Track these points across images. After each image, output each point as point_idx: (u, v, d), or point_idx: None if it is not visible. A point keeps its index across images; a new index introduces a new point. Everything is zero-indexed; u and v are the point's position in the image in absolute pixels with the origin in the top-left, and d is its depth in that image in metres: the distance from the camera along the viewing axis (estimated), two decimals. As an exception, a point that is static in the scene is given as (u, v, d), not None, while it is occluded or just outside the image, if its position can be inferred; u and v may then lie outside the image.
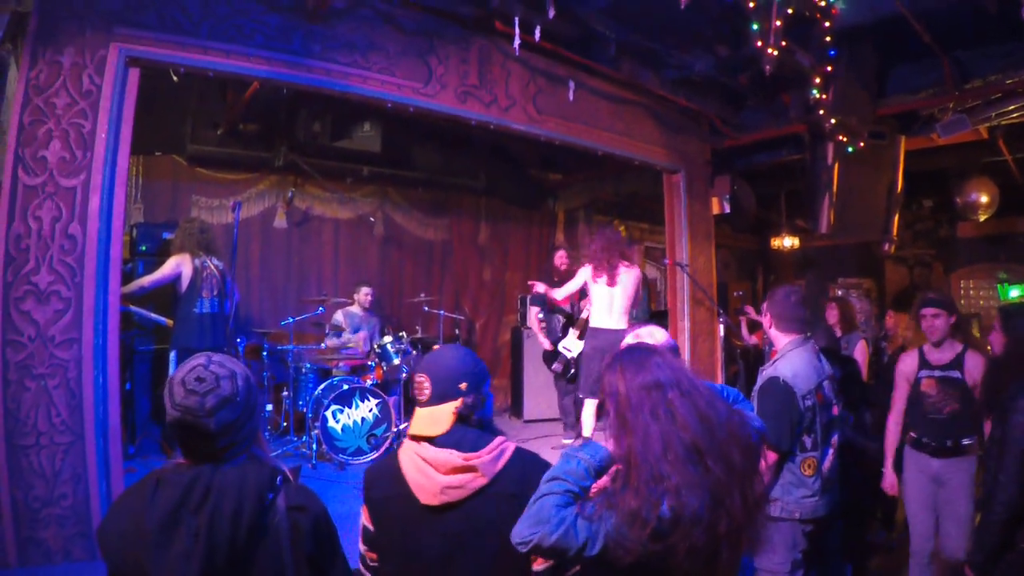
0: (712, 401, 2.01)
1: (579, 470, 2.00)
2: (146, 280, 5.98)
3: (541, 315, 7.91)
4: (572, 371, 7.36)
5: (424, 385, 2.23)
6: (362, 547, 2.28)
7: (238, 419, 1.80)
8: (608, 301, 6.51)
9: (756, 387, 3.40)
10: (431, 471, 2.11)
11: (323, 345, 7.40)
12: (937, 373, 4.19)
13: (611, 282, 6.49)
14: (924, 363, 4.28)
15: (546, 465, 2.16)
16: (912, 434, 4.33)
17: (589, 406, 6.43)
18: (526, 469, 2.16)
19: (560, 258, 7.91)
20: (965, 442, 4.09)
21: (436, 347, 2.53)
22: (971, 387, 4.01)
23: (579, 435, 7.06)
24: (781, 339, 3.51)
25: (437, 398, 2.21)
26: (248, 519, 1.73)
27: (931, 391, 4.19)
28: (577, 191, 10.86)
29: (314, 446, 6.38)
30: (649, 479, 1.87)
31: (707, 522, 1.84)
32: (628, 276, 6.55)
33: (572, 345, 7.41)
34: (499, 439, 2.19)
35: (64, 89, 3.84)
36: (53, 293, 3.77)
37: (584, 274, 6.64)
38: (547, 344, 7.70)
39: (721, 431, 1.94)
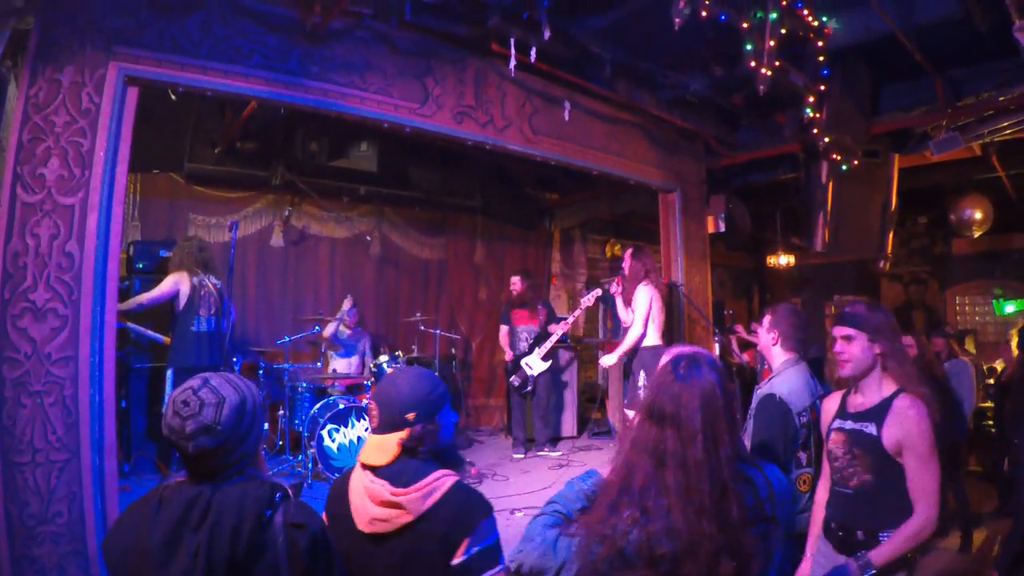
0: (709, 457, 1.89)
1: (571, 494, 2.04)
2: (144, 297, 5.99)
3: (507, 329, 8.19)
4: (528, 388, 7.73)
5: (373, 412, 2.20)
6: None
7: (220, 446, 1.82)
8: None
9: (752, 405, 3.42)
10: (367, 500, 2.08)
11: (319, 364, 7.41)
12: (848, 424, 2.86)
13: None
14: (842, 407, 2.98)
15: (485, 505, 2.10)
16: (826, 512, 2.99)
17: None
18: (460, 508, 2.06)
19: (516, 284, 8.16)
20: (883, 536, 2.66)
21: (391, 371, 2.43)
22: (893, 452, 2.68)
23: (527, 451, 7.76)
24: (779, 357, 3.51)
25: (384, 427, 2.16)
26: (246, 537, 1.74)
27: (837, 450, 2.88)
28: (573, 211, 10.90)
29: (310, 465, 6.36)
30: (624, 505, 1.87)
31: (675, 566, 1.82)
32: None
33: (534, 363, 7.73)
34: (436, 474, 2.09)
35: (63, 107, 3.85)
36: (50, 310, 3.76)
37: (650, 295, 6.62)
38: (509, 355, 7.97)
39: (708, 485, 1.86)
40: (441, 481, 2.08)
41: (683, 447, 1.89)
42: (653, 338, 6.55)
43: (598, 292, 7.75)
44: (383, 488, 2.05)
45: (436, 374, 2.34)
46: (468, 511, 2.05)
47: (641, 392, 6.47)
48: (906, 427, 2.65)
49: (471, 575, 1.99)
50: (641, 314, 6.52)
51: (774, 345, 3.55)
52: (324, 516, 2.20)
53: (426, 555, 2.02)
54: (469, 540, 2.00)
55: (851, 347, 2.84)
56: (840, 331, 2.89)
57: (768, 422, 3.22)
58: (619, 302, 6.96)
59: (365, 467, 2.14)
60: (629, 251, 6.86)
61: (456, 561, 1.99)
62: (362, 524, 2.08)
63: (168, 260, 6.38)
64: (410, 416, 2.14)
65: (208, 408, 1.81)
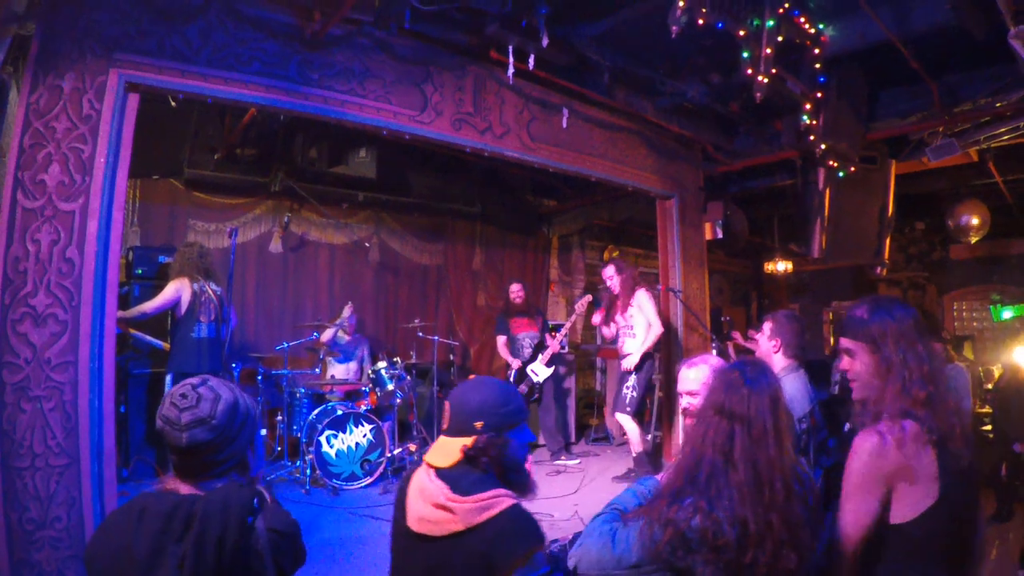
0: (779, 455, 2.03)
1: (628, 496, 2.13)
2: (148, 306, 5.99)
3: (505, 339, 8.30)
4: (535, 396, 7.88)
5: (446, 413, 2.22)
6: None
7: (212, 441, 1.86)
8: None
9: None
10: (420, 498, 2.08)
11: (317, 371, 7.43)
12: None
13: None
14: None
15: (538, 535, 2.03)
16: None
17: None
18: (512, 532, 1.99)
19: (518, 291, 8.34)
20: None
21: (472, 376, 2.41)
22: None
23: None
24: (779, 363, 3.53)
25: (452, 430, 2.16)
26: (231, 544, 1.75)
27: None
28: (571, 217, 10.93)
29: (308, 471, 6.37)
30: (688, 494, 1.98)
31: (738, 554, 1.90)
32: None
33: (539, 370, 7.84)
34: (497, 492, 2.04)
35: (64, 113, 3.87)
36: (50, 316, 3.78)
37: (651, 298, 7.09)
38: (515, 364, 7.99)
39: (780, 483, 1.99)
40: (499, 500, 2.02)
41: (753, 446, 2.00)
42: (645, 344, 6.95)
43: (589, 298, 7.95)
44: (440, 490, 2.04)
45: (515, 389, 2.32)
46: (519, 537, 1.99)
47: (632, 392, 6.83)
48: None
49: None
50: (655, 313, 6.95)
51: (775, 352, 3.56)
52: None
53: (464, 570, 1.99)
54: (521, 569, 1.94)
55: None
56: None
57: None
58: (598, 317, 7.44)
59: (429, 466, 2.15)
60: (612, 266, 7.22)
61: None
62: (411, 520, 2.09)
63: (168, 266, 6.39)
64: (477, 424, 2.12)
65: (205, 402, 1.87)
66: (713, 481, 1.97)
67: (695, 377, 2.83)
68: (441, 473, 2.10)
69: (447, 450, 2.13)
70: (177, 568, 1.70)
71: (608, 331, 7.32)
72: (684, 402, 2.93)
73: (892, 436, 1.99)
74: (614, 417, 7.28)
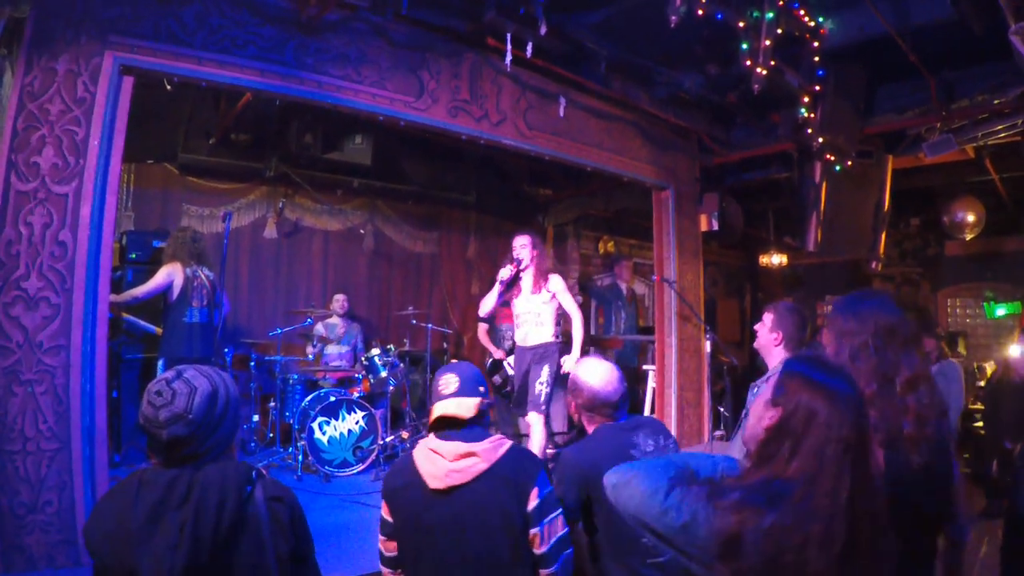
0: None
1: (704, 461, 1.88)
2: (139, 291, 5.97)
3: (486, 328, 7.98)
4: (508, 388, 7.08)
5: (452, 381, 2.57)
6: (381, 540, 2.61)
7: (192, 434, 1.89)
8: None
9: (749, 401, 3.36)
10: (438, 459, 2.45)
11: (310, 356, 7.42)
12: None
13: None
14: None
15: (538, 459, 2.62)
16: None
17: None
18: (521, 458, 2.52)
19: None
20: None
21: (455, 362, 2.86)
22: None
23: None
24: (778, 356, 3.46)
25: (463, 393, 2.55)
26: (231, 511, 1.83)
27: None
28: (567, 207, 10.90)
29: (300, 457, 6.36)
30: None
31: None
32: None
33: None
34: (498, 435, 2.54)
35: (58, 96, 3.85)
36: (42, 299, 3.76)
37: (565, 284, 6.15)
38: (498, 354, 7.54)
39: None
40: (503, 440, 2.53)
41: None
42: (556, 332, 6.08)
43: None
44: (457, 444, 2.45)
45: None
46: (529, 463, 2.54)
47: (546, 388, 5.83)
48: None
49: (543, 517, 2.44)
50: (574, 303, 6.06)
51: (776, 346, 3.48)
52: (383, 501, 2.60)
53: (501, 499, 2.42)
54: (537, 488, 2.45)
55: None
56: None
57: None
58: (494, 294, 6.21)
59: (443, 421, 2.52)
60: (528, 236, 6.07)
61: (531, 506, 2.43)
62: (435, 482, 2.43)
63: (162, 251, 6.37)
64: (481, 388, 2.60)
65: (180, 397, 1.89)
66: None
67: None
68: (449, 435, 2.49)
69: (466, 405, 2.53)
70: (178, 532, 1.75)
71: (488, 308, 6.28)
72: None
73: None
74: (524, 418, 6.18)
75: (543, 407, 5.88)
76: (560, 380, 6.85)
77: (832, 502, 1.55)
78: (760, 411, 1.73)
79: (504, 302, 7.39)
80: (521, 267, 6.05)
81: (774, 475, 1.62)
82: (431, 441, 2.51)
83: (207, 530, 1.77)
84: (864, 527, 1.59)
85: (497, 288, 6.14)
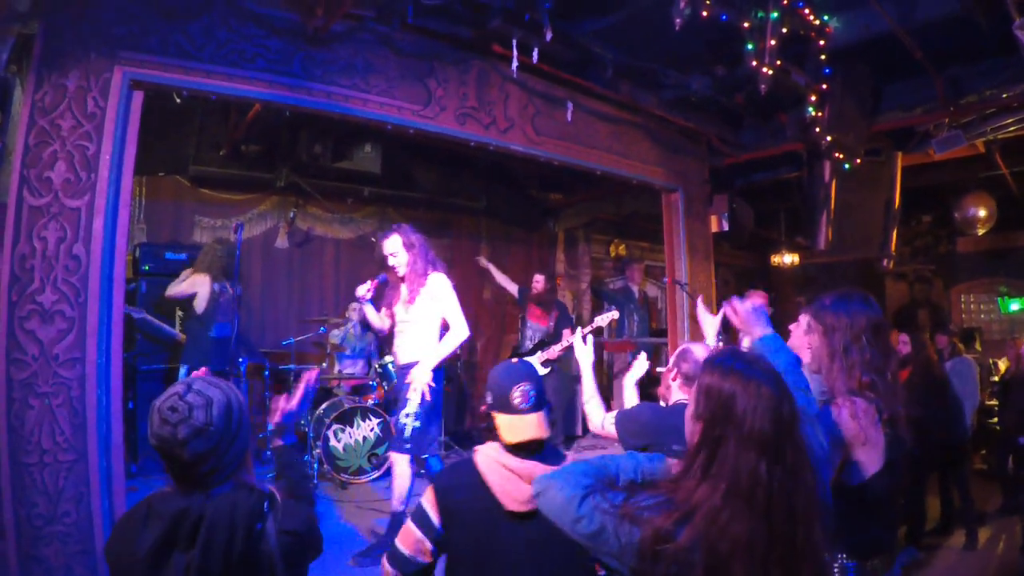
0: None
1: (627, 463, 1.96)
2: (173, 291, 6.14)
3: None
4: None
5: (528, 391, 2.31)
6: (416, 539, 2.32)
7: (215, 448, 1.79)
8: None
9: None
10: (519, 481, 2.22)
11: (337, 368, 7.46)
12: None
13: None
14: None
15: None
16: None
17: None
18: None
19: (539, 283, 8.14)
20: None
21: (514, 360, 2.57)
22: None
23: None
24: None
25: (539, 406, 2.32)
26: (239, 551, 1.73)
27: None
28: (577, 211, 10.92)
29: (316, 465, 6.39)
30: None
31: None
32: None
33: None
34: (569, 456, 2.34)
35: (69, 111, 3.88)
36: (57, 312, 3.80)
37: (449, 284, 5.25)
38: (512, 287, 7.56)
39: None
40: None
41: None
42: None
43: (615, 315, 7.21)
44: (536, 466, 2.21)
45: None
46: None
47: (413, 422, 4.76)
48: None
49: None
50: (457, 308, 5.11)
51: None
52: (434, 504, 2.33)
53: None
54: None
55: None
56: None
57: None
58: (370, 310, 5.35)
59: (515, 449, 2.28)
60: (398, 236, 5.23)
61: None
62: (516, 504, 2.22)
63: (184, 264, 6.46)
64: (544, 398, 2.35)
65: (198, 410, 1.77)
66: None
67: None
68: (519, 452, 2.27)
69: (540, 424, 2.30)
70: (184, 573, 1.69)
71: (381, 323, 5.37)
72: None
73: (846, 409, 2.32)
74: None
75: (406, 445, 4.75)
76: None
77: (749, 508, 1.56)
78: (690, 425, 1.77)
79: (536, 301, 7.33)
80: (382, 281, 5.28)
81: (689, 487, 1.63)
82: (504, 458, 2.28)
83: (215, 573, 1.70)
84: (787, 527, 1.59)
85: (368, 308, 5.30)
